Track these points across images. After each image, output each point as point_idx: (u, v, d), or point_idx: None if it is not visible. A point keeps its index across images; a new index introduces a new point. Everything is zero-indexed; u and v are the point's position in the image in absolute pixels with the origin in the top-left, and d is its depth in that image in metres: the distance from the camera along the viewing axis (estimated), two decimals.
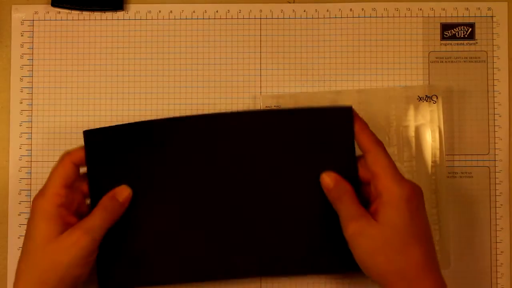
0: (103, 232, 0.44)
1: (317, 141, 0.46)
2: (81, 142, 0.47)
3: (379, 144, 0.44)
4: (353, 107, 0.45)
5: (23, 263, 0.44)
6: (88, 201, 0.47)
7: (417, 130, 0.51)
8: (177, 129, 0.46)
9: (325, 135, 0.46)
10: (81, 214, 0.46)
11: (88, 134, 0.46)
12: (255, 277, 0.50)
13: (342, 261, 0.45)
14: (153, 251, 0.46)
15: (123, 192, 0.45)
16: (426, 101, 0.51)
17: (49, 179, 0.45)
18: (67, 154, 0.46)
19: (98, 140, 0.46)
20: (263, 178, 0.46)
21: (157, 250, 0.46)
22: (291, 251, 0.46)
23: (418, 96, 0.51)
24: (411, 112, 0.51)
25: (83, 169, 0.47)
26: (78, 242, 0.42)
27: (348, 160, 0.45)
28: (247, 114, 0.47)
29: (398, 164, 0.44)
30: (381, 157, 0.43)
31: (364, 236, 0.42)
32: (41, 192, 0.44)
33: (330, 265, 0.47)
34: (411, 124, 0.51)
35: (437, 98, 0.50)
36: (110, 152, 0.46)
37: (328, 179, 0.45)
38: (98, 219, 0.44)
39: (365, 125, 0.45)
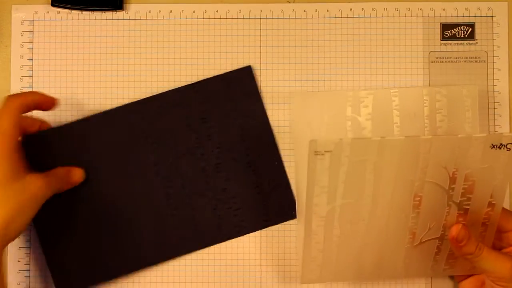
0: (51, 193, 0.46)
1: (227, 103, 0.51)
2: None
3: None
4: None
5: None
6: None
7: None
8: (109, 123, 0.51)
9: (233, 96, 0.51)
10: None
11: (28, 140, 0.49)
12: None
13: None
14: (99, 250, 0.50)
15: (77, 173, 0.49)
16: (500, 148, 0.43)
17: (3, 118, 0.44)
18: (13, 97, 0.46)
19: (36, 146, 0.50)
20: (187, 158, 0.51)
21: (104, 248, 0.50)
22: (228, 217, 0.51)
23: (492, 144, 0.42)
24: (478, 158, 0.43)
25: None
26: (42, 188, 0.45)
27: (260, 113, 0.51)
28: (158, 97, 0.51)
29: None
30: None
31: None
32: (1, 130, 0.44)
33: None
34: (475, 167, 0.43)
35: None
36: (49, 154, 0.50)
37: (469, 248, 0.44)
38: (54, 181, 0.47)
39: None
